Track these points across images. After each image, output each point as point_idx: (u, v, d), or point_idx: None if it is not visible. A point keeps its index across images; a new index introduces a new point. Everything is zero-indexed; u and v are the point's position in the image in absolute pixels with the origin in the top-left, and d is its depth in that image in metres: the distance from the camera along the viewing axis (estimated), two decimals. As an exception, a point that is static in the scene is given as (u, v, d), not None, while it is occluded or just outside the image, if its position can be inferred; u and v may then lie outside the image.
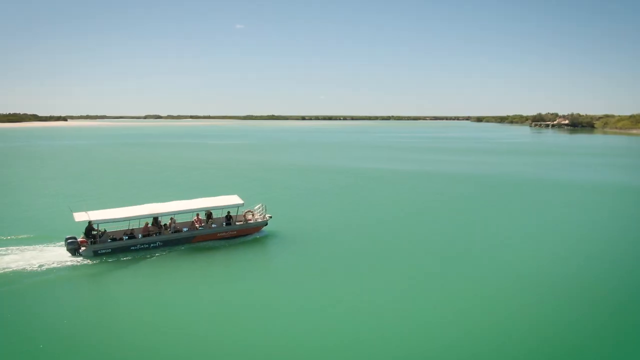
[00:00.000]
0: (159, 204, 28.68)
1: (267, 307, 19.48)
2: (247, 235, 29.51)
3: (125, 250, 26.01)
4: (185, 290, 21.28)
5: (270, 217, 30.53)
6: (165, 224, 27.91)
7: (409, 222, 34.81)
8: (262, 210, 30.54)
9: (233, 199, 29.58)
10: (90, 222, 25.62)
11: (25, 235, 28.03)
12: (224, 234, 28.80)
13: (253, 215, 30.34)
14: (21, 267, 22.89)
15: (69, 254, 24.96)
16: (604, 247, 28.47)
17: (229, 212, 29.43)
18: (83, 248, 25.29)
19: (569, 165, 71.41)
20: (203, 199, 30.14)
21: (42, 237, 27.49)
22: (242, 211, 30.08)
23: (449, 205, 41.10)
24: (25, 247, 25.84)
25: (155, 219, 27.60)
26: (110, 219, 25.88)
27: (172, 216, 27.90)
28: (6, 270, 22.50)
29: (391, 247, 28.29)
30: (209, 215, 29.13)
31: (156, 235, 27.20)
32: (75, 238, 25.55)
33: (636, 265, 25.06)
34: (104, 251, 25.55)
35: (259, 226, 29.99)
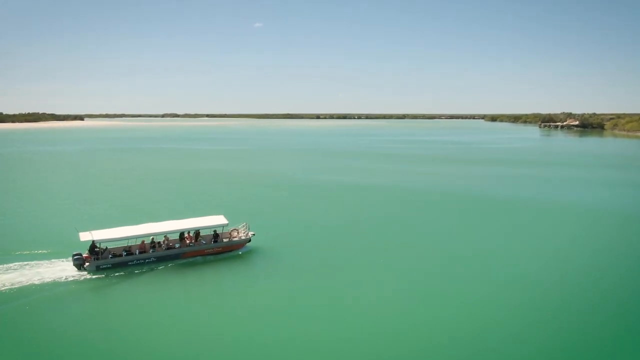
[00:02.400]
0: (154, 223, 32.70)
1: (252, 311, 24.13)
2: (232, 251, 33.41)
3: (123, 265, 30.12)
4: (176, 300, 25.54)
5: (253, 234, 34.41)
6: (159, 242, 31.94)
7: (387, 235, 38.42)
8: (246, 228, 34.43)
9: (219, 219, 33.51)
10: (93, 241, 29.74)
11: (40, 251, 32.24)
12: (210, 250, 32.76)
13: (238, 232, 34.25)
14: (37, 281, 27.10)
15: (76, 269, 29.13)
16: (586, 264, 31.95)
17: (215, 231, 33.34)
18: (87, 263, 29.43)
19: (561, 182, 71.18)
20: (192, 219, 34.05)
21: (55, 253, 31.65)
22: (227, 229, 33.98)
23: (427, 219, 44.52)
24: (40, 262, 30.08)
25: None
26: (110, 239, 29.99)
27: (166, 235, 31.96)
28: (24, 284, 26.72)
29: (366, 257, 32.75)
30: (197, 233, 33.11)
31: (151, 251, 31.26)
32: (80, 254, 29.72)
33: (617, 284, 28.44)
34: (105, 266, 29.70)
35: (242, 243, 33.87)
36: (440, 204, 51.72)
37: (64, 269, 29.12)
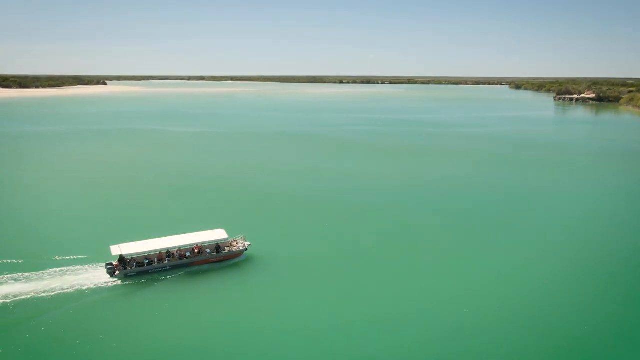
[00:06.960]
0: (169, 237, 40.36)
1: (251, 308, 33.13)
2: (232, 259, 41.21)
3: (145, 273, 38.20)
4: (191, 302, 34.11)
5: (250, 244, 42.06)
6: (172, 252, 39.88)
7: (370, 236, 45.49)
8: (243, 239, 42.13)
9: (221, 233, 41.18)
10: (122, 255, 37.76)
11: (81, 256, 40.41)
12: (214, 259, 40.61)
13: (237, 243, 41.97)
14: (79, 287, 35.25)
15: (108, 276, 37.31)
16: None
17: (217, 243, 41.09)
18: (117, 272, 37.55)
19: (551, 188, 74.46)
20: (199, 233, 41.24)
21: (93, 259, 39.82)
22: (228, 241, 41.69)
23: (413, 224, 51.15)
24: (80, 266, 38.36)
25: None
26: (136, 253, 37.98)
27: (180, 247, 39.86)
28: (69, 290, 34.84)
29: (349, 257, 40.92)
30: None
31: (167, 260, 39.27)
32: (112, 264, 37.85)
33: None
34: (132, 274, 37.81)
35: (241, 252, 41.57)
36: (420, 210, 58.08)
37: (99, 275, 37.26)
